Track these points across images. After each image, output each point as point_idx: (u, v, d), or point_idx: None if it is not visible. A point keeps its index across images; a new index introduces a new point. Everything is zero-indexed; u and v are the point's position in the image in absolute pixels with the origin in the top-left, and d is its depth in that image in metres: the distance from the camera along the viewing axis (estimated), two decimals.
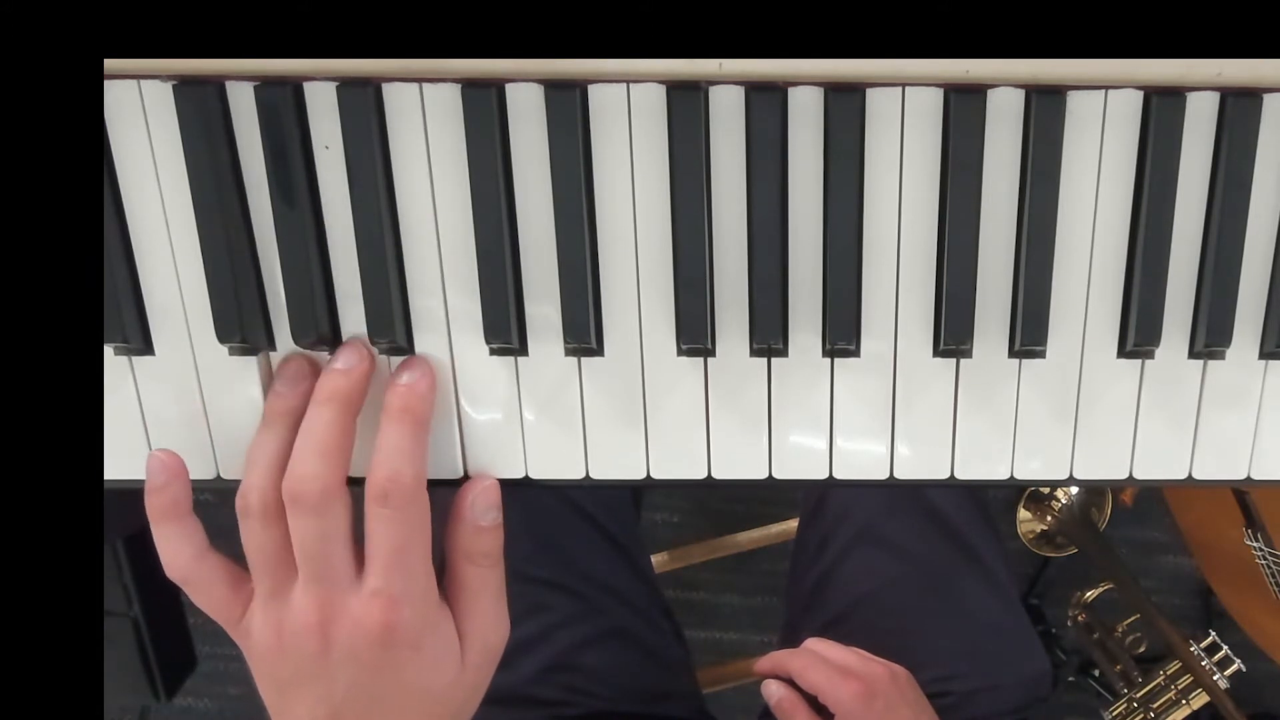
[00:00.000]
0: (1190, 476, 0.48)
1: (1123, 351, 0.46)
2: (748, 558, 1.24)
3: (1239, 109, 0.43)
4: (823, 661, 0.68)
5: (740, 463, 0.47)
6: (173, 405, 0.46)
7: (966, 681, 0.77)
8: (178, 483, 0.45)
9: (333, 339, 0.46)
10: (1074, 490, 1.46)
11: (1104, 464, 0.48)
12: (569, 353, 0.46)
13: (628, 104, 0.43)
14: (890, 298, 0.45)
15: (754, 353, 0.46)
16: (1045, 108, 0.43)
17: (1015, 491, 1.50)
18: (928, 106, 0.43)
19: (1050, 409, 0.47)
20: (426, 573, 0.45)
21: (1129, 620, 1.42)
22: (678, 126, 0.43)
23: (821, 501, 0.85)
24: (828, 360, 0.46)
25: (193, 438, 0.47)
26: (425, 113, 0.43)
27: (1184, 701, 1.34)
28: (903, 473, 0.48)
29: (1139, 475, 0.48)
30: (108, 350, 0.46)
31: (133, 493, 0.46)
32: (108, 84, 0.42)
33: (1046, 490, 1.48)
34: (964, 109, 0.43)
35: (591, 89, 0.43)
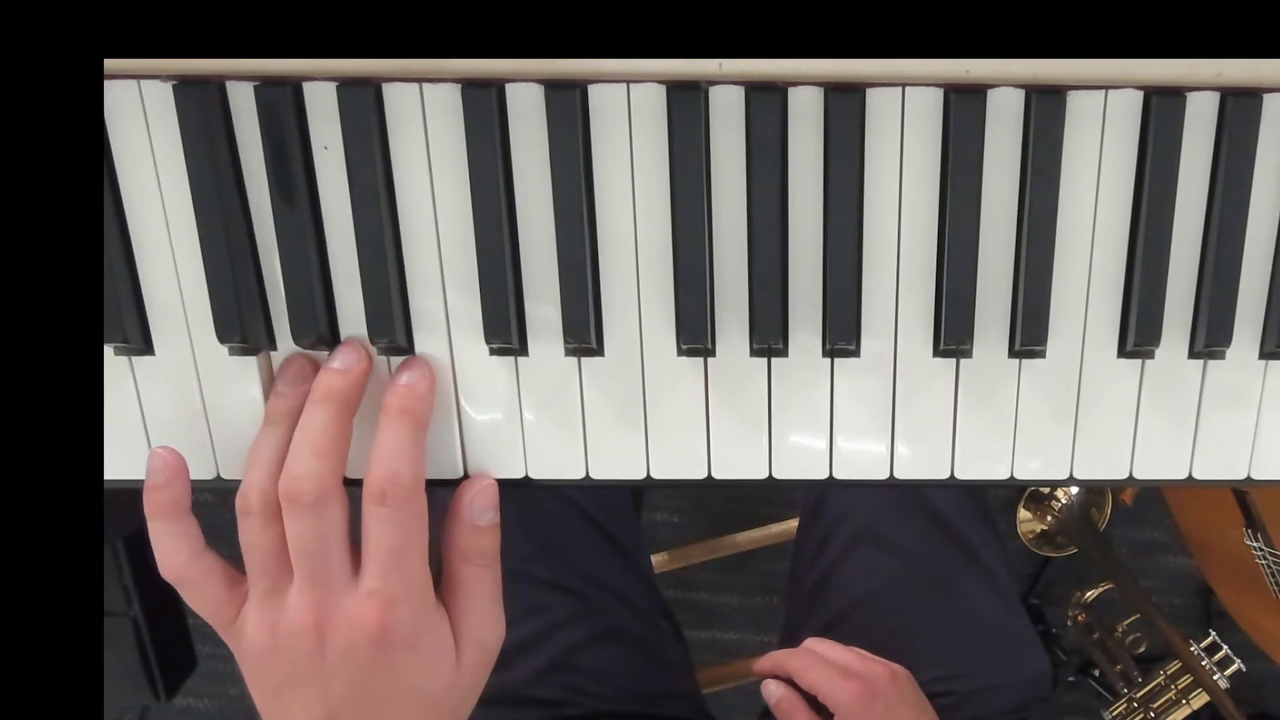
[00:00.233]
0: (1190, 476, 0.48)
1: (1123, 351, 0.46)
2: (748, 558, 1.24)
3: (1239, 109, 0.43)
4: (822, 661, 0.68)
5: (740, 463, 0.47)
6: (173, 405, 0.46)
7: (966, 681, 0.76)
8: (178, 481, 0.44)
9: (333, 339, 0.46)
10: (1074, 490, 1.46)
11: (1104, 464, 0.48)
12: (569, 353, 0.46)
13: (628, 104, 0.43)
14: (890, 298, 0.45)
15: (754, 353, 0.46)
16: (1045, 108, 0.43)
17: (1015, 491, 1.50)
18: (928, 106, 0.43)
19: (1050, 409, 0.47)
20: (423, 573, 0.45)
21: (1129, 620, 1.42)
22: (678, 126, 0.43)
23: (821, 502, 0.85)
24: (828, 360, 0.46)
25: (192, 438, 0.47)
26: (425, 113, 0.43)
27: (1184, 701, 1.34)
28: (903, 473, 0.48)
29: (1139, 475, 0.48)
30: (108, 350, 0.46)
31: (133, 492, 0.46)
32: (108, 84, 0.42)
33: (1046, 490, 1.48)
34: (964, 109, 0.43)
35: (591, 89, 0.43)
